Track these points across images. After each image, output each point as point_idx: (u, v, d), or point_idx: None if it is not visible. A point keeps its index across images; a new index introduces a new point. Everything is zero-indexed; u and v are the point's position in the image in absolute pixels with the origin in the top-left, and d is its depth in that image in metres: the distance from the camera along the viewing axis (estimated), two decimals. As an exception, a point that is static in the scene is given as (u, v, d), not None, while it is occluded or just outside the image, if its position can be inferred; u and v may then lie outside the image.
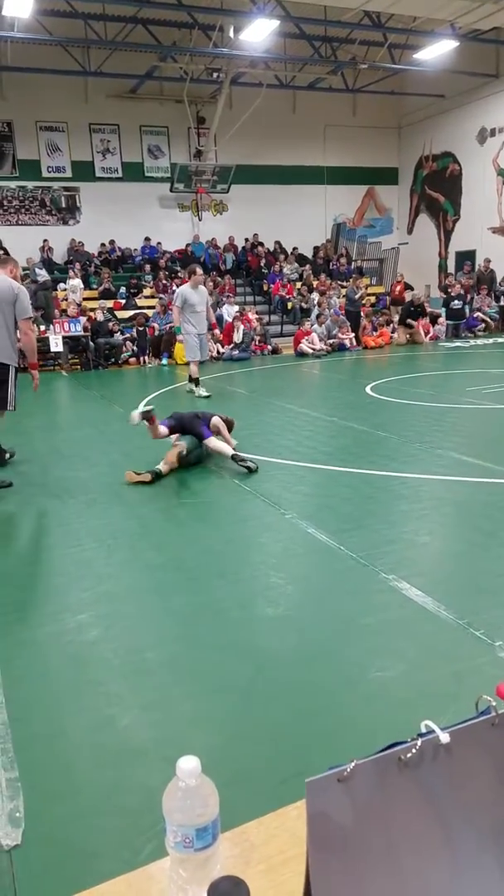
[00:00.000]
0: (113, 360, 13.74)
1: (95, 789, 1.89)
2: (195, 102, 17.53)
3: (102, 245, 17.53)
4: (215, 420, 5.60)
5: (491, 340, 14.90)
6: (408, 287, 17.30)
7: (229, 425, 5.78)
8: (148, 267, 17.05)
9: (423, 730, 0.64)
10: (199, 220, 18.82)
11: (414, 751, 0.62)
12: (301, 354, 13.94)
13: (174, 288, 15.92)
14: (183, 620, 2.85)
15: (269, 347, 14.91)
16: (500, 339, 14.97)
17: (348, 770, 0.60)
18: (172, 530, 4.01)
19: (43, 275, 14.53)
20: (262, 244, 18.75)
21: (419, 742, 0.62)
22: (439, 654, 2.49)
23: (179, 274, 16.71)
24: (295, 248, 19.16)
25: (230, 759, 1.98)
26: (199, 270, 9.42)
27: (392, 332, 15.48)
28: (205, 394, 8.97)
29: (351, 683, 2.32)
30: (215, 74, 15.98)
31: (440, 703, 2.15)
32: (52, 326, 13.14)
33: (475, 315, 16.20)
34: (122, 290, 15.97)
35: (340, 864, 0.60)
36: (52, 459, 5.85)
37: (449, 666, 2.40)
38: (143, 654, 2.57)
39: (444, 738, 0.63)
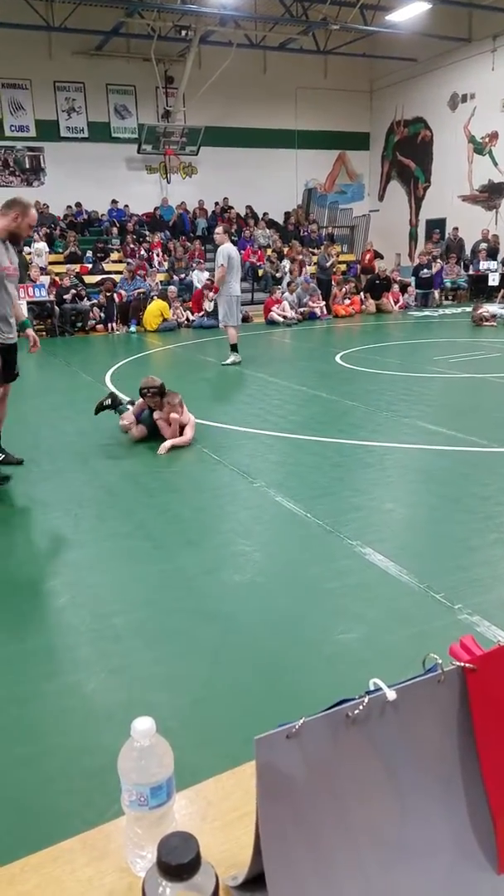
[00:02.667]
0: (79, 326, 13.51)
1: (61, 753, 1.91)
2: (163, 61, 17.03)
3: (68, 207, 17.09)
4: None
5: (459, 310, 14.97)
6: (377, 255, 17.22)
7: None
8: (115, 230, 16.70)
9: (372, 687, 0.66)
10: (168, 182, 18.43)
11: (361, 707, 0.64)
12: (271, 323, 13.87)
13: (142, 252, 15.73)
14: (151, 587, 2.87)
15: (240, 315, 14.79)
16: (467, 308, 15.04)
17: (297, 726, 0.61)
18: (141, 499, 4.01)
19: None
20: (232, 208, 18.46)
21: (366, 699, 0.64)
22: (400, 617, 2.55)
23: (148, 238, 16.41)
24: (265, 214, 18.91)
25: (196, 721, 2.01)
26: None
27: (362, 302, 15.47)
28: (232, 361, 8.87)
29: (314, 645, 2.37)
30: (184, 32, 15.50)
31: (400, 663, 2.21)
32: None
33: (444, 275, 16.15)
34: (89, 254, 15.65)
35: (289, 816, 0.62)
36: (17, 428, 5.76)
37: (409, 628, 2.46)
38: (110, 620, 2.58)
39: (391, 695, 0.65)
